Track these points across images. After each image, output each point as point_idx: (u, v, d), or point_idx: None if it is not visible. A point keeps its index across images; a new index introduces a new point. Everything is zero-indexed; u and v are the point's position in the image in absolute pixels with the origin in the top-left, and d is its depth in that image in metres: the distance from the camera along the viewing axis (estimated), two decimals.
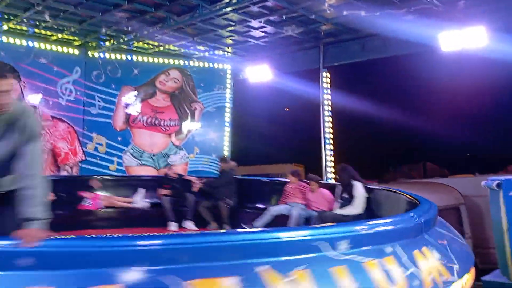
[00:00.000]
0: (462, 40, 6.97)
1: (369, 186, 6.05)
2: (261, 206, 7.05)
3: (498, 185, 5.31)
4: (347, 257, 2.46)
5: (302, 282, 2.18)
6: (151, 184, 7.65)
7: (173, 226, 6.83)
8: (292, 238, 2.41)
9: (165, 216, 6.96)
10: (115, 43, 9.13)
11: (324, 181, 6.82)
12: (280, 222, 6.39)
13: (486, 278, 5.32)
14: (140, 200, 7.35)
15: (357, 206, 5.74)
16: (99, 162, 9.49)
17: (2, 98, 2.26)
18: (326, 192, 6.58)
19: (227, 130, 10.46)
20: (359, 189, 5.81)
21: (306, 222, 6.39)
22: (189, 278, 1.99)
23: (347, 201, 5.85)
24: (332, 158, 9.02)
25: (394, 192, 5.36)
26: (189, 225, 6.93)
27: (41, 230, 2.15)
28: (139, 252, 2.10)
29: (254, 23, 8.04)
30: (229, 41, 9.17)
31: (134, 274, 2.00)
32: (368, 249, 2.59)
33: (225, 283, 2.02)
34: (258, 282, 2.09)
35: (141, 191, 7.42)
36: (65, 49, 9.27)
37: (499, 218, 5.35)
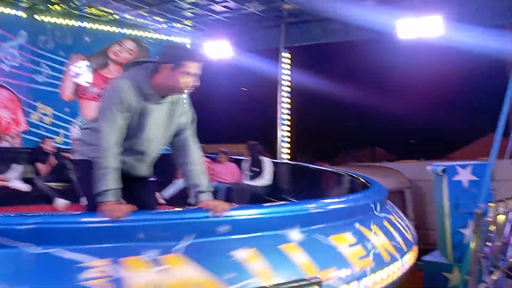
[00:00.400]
0: (419, 28, 7.13)
1: (275, 161, 7.13)
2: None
3: (443, 171, 5.55)
4: (383, 214, 3.32)
5: (379, 233, 2.99)
6: (27, 158, 6.98)
7: (60, 203, 6.45)
8: (364, 203, 3.23)
9: (46, 194, 6.53)
10: (66, 7, 8.57)
11: (232, 155, 7.59)
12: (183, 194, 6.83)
13: (427, 258, 5.59)
14: (15, 178, 6.48)
15: (267, 178, 6.66)
16: (44, 133, 8.97)
17: (193, 81, 2.41)
18: (233, 165, 7.24)
19: None
20: (267, 163, 6.76)
21: (214, 193, 6.74)
22: (328, 235, 2.61)
23: (257, 173, 6.68)
24: (288, 140, 9.06)
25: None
26: (61, 203, 6.56)
27: (222, 201, 2.51)
28: (297, 216, 2.59)
29: None
30: (188, 14, 8.86)
31: (297, 234, 2.49)
32: (385, 208, 3.49)
33: (346, 236, 2.71)
34: (360, 234, 2.83)
35: (16, 168, 6.61)
36: (10, 11, 8.58)
37: (442, 202, 5.60)
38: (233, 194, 6.52)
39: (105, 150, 2.29)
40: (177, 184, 7.02)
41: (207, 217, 2.27)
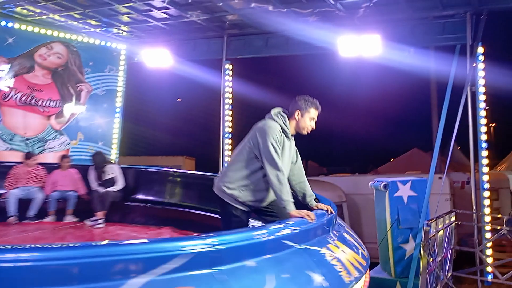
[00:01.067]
0: (359, 46, 7.31)
1: (124, 166, 7.80)
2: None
3: (385, 186, 5.66)
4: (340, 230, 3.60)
5: (331, 251, 3.12)
6: None
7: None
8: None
9: None
10: None
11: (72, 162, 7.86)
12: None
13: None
14: None
15: (120, 183, 7.18)
16: None
17: (314, 124, 3.48)
18: (73, 171, 7.54)
19: (118, 116, 9.61)
20: (117, 169, 7.28)
21: (63, 202, 7.20)
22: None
23: (110, 180, 7.11)
24: (230, 153, 8.84)
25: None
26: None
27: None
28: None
29: (156, 2, 7.42)
30: (125, 18, 8.36)
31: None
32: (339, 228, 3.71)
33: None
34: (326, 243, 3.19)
35: None
36: None
37: (384, 217, 5.70)
38: (94, 201, 6.89)
39: (283, 173, 3.21)
40: (13, 196, 6.88)
41: (328, 216, 3.28)
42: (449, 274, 5.43)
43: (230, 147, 8.80)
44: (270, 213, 3.45)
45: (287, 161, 3.39)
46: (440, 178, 7.31)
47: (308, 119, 3.41)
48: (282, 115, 3.40)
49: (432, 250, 4.58)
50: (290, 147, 3.44)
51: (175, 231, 6.57)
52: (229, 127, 8.93)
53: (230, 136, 8.90)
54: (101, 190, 7.00)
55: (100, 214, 6.82)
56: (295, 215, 3.00)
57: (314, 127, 3.44)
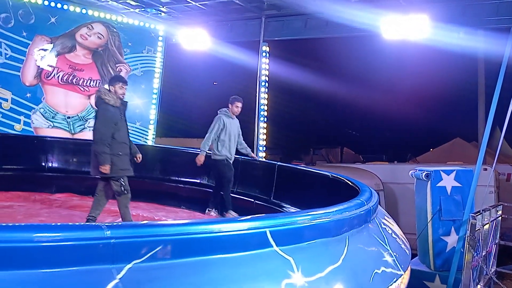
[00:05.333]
0: (404, 27, 6.96)
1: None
2: None
3: (427, 176, 5.39)
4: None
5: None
6: None
7: None
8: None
9: None
10: None
11: None
12: None
13: None
14: None
15: None
16: (1, 119, 8.27)
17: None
18: None
19: (155, 97, 9.69)
20: None
21: None
22: None
23: None
24: (265, 137, 8.74)
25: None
26: None
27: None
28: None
29: None
30: None
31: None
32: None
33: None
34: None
35: None
36: None
37: (425, 207, 5.45)
38: None
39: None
40: None
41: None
42: (493, 270, 5.15)
43: (265, 130, 8.69)
44: None
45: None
46: (485, 169, 6.93)
47: (236, 107, 6.15)
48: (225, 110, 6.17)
49: (477, 244, 4.33)
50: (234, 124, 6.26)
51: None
52: (265, 111, 8.80)
53: (266, 120, 8.77)
54: None
55: None
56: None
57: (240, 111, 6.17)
